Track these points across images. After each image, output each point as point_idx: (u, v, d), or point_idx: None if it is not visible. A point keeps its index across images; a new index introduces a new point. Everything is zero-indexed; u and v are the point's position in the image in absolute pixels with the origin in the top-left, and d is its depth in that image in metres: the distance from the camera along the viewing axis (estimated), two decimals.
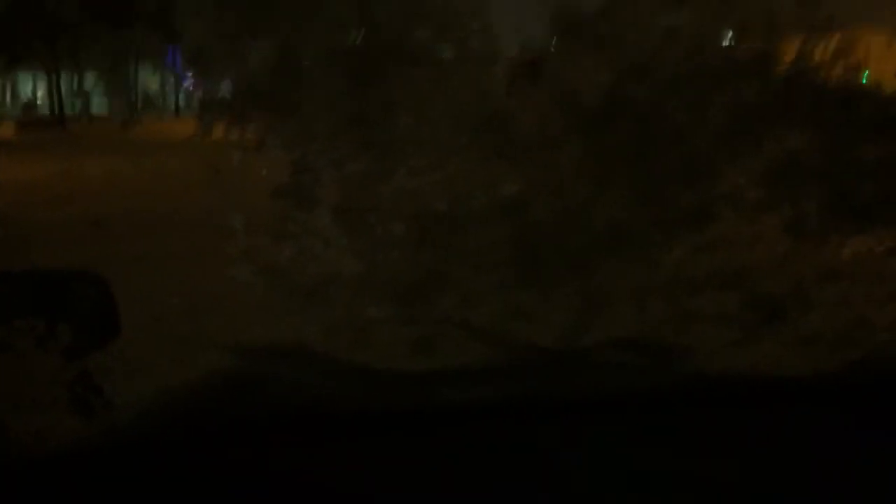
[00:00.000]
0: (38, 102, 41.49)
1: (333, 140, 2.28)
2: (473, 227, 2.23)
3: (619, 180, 2.25)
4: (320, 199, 2.31)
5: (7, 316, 1.80)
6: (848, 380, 1.46)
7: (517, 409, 1.24)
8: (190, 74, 50.88)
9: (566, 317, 2.18)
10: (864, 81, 2.30)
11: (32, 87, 42.37)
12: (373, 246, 2.26)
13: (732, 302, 2.21)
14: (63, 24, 33.17)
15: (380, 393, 1.38)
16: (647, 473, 1.07)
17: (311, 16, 2.23)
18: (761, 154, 2.31)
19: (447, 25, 2.20)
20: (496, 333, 2.11)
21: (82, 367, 1.61)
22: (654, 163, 2.23)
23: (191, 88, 50.89)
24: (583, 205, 2.24)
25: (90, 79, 41.09)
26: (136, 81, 43.42)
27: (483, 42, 2.30)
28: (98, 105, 42.47)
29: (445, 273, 2.21)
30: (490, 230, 2.23)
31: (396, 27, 2.14)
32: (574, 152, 2.29)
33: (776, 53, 2.26)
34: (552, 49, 2.44)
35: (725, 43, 2.37)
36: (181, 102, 45.76)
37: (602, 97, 2.24)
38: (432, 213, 2.25)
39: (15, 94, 43.14)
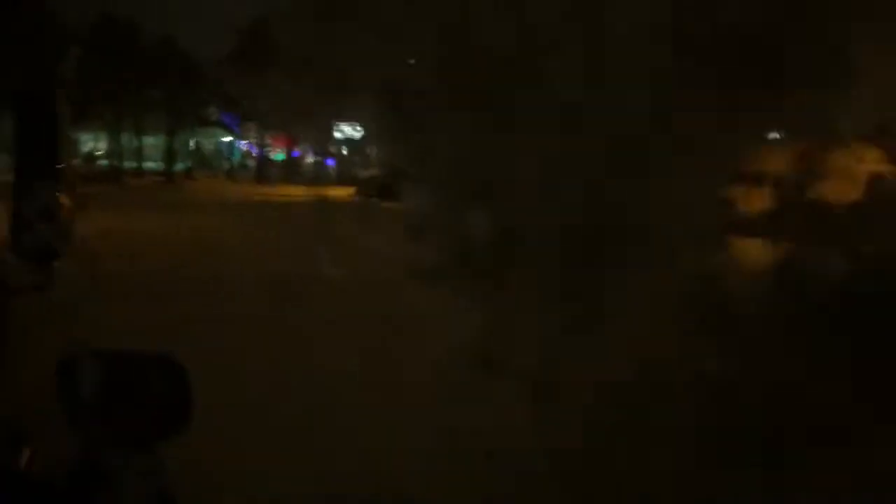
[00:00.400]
0: (98, 155, 42.62)
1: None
2: None
3: None
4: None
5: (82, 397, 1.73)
6: None
7: None
8: (247, 142, 52.21)
9: None
10: None
11: (94, 144, 43.59)
12: None
13: None
14: (127, 88, 34.23)
15: None
16: None
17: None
18: None
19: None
20: None
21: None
22: None
23: (248, 151, 51.93)
24: None
25: (148, 138, 42.26)
26: (190, 142, 44.51)
27: None
28: (155, 162, 43.62)
29: None
30: None
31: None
32: None
33: None
34: None
35: None
36: (236, 164, 46.76)
37: None
38: None
39: (77, 150, 44.55)
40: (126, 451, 1.58)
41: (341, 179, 44.48)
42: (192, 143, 47.25)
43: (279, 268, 10.83)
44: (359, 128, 55.40)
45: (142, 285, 8.02)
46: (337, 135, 53.67)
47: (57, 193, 2.05)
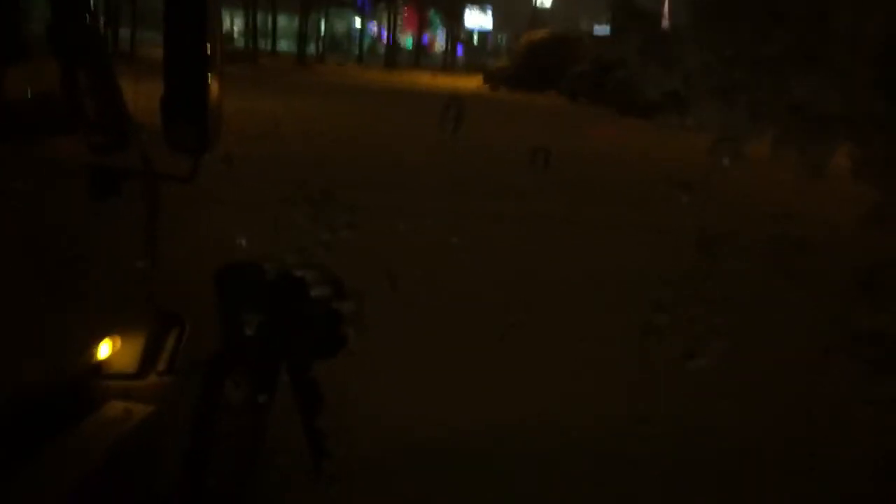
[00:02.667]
0: (234, 37, 43.46)
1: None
2: None
3: None
4: None
5: (238, 307, 1.69)
6: None
7: None
8: (375, 23, 51.96)
9: None
10: None
11: (230, 23, 44.38)
12: None
13: None
14: None
15: None
16: None
17: None
18: None
19: None
20: None
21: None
22: None
23: (378, 34, 51.78)
24: None
25: (283, 19, 42.59)
26: (323, 25, 44.59)
27: None
28: (287, 44, 44.11)
29: None
30: None
31: None
32: None
33: None
34: None
35: None
36: (365, 48, 46.77)
37: None
38: None
39: None
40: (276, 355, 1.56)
41: (469, 66, 43.90)
42: (323, 25, 47.38)
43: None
44: (489, 14, 54.17)
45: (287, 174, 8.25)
46: (468, 22, 52.60)
47: (207, 78, 2.04)
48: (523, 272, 6.32)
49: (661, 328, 4.04)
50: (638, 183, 10.60)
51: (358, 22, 51.58)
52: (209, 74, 1.96)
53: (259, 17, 41.03)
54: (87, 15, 2.31)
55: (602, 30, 46.89)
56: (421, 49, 48.62)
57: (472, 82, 33.56)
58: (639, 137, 17.42)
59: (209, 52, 1.95)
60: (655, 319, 3.95)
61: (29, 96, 2.09)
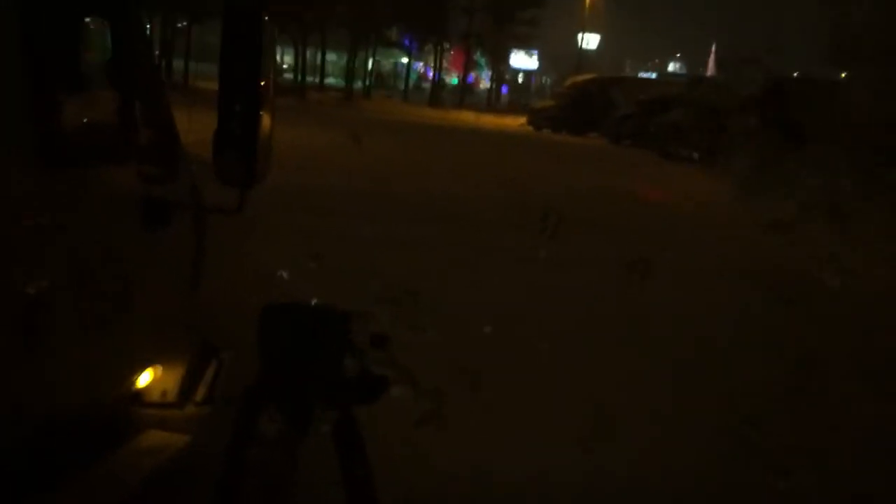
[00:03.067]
0: (284, 70, 44.37)
1: None
2: None
3: None
4: None
5: (286, 349, 1.68)
6: None
7: None
8: (423, 64, 52.61)
9: None
10: None
11: (281, 57, 45.34)
12: None
13: None
14: (313, 5, 35.09)
15: None
16: None
17: None
18: None
19: None
20: None
21: None
22: None
23: (424, 73, 52.40)
24: None
25: (331, 55, 43.40)
26: (370, 62, 45.31)
27: None
28: (335, 80, 44.85)
29: None
30: None
31: None
32: None
33: None
34: None
35: None
36: (410, 86, 47.37)
37: None
38: None
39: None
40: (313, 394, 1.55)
41: (513, 107, 44.18)
42: (370, 63, 48.15)
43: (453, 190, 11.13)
44: (535, 57, 54.58)
45: (337, 206, 8.30)
46: (514, 63, 53.04)
47: (259, 113, 2.08)
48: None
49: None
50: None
51: (404, 60, 52.32)
52: (261, 110, 1.98)
53: (309, 52, 41.82)
54: (143, 47, 2.36)
55: (647, 74, 46.88)
56: (466, 88, 49.09)
57: (515, 122, 33.73)
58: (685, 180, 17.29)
59: (262, 88, 1.98)
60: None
61: (85, 125, 2.14)
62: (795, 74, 31.14)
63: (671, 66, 52.91)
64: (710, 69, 52.18)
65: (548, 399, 4.50)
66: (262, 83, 2.01)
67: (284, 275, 2.63)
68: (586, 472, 3.68)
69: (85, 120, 2.16)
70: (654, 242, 9.04)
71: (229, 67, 1.94)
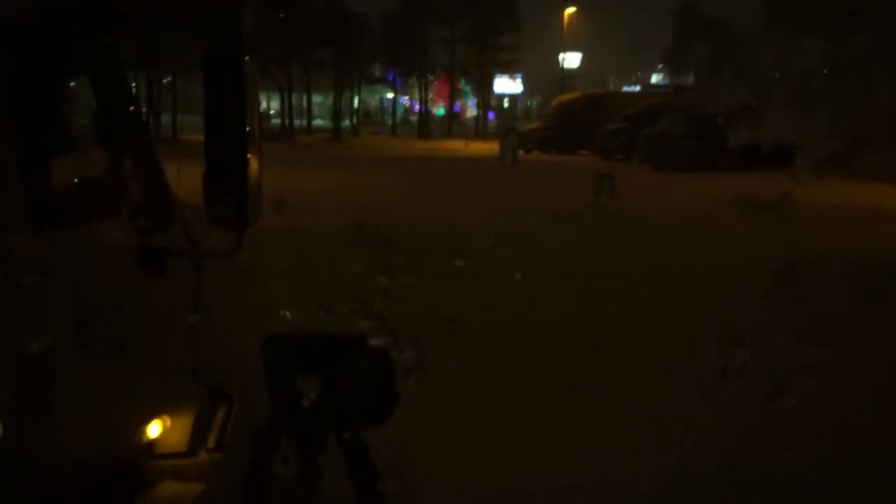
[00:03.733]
0: (271, 115, 44.68)
1: None
2: None
3: None
4: None
5: (287, 377, 1.66)
6: None
7: None
8: (408, 98, 53.05)
9: None
10: None
11: (267, 104, 45.70)
12: None
13: None
14: (298, 48, 35.44)
15: None
16: None
17: None
18: None
19: None
20: None
21: None
22: None
23: (410, 106, 52.78)
24: None
25: (317, 97, 43.71)
26: (356, 100, 45.63)
27: None
28: (323, 121, 45.16)
29: None
30: None
31: None
32: None
33: None
34: None
35: None
36: (398, 120, 47.65)
37: None
38: None
39: None
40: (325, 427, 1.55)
41: (501, 132, 44.41)
42: (356, 101, 48.50)
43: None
44: (519, 80, 54.97)
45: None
46: (498, 88, 53.42)
47: (247, 161, 2.10)
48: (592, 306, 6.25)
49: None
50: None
51: (390, 95, 52.67)
52: (248, 152, 2.00)
53: (294, 97, 42.15)
54: (129, 104, 2.39)
55: (631, 88, 47.20)
56: (453, 117, 49.39)
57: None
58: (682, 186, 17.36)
59: (247, 130, 1.99)
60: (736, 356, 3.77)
61: (75, 183, 2.15)
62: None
63: (654, 78, 53.24)
64: (693, 78, 52.46)
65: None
66: (247, 125, 2.02)
67: (288, 315, 2.63)
68: None
69: (75, 178, 2.18)
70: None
71: (214, 111, 1.96)
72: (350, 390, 1.41)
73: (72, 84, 2.39)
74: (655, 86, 48.98)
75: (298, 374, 1.51)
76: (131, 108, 2.38)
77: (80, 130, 2.42)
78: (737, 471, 3.25)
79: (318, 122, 47.06)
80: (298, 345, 1.50)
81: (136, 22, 2.48)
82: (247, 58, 2.01)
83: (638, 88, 45.75)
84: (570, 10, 47.14)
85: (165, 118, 34.09)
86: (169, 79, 36.06)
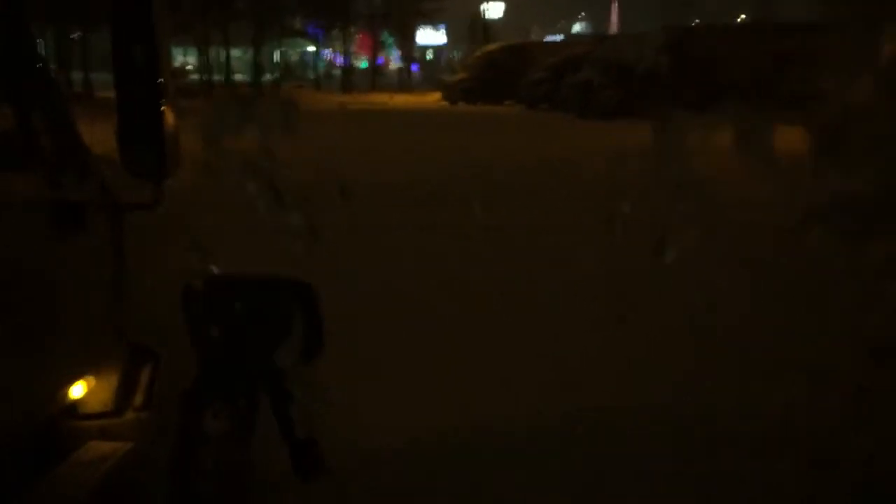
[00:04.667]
0: (189, 70, 43.43)
1: None
2: None
3: None
4: None
5: (216, 322, 1.67)
6: None
7: None
8: (331, 51, 52.27)
9: None
10: None
11: (184, 59, 44.37)
12: None
13: None
14: (216, 3, 34.35)
15: None
16: None
17: None
18: None
19: None
20: None
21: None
22: None
23: (333, 60, 52.01)
24: None
25: (236, 52, 42.63)
26: (277, 53, 44.62)
27: None
28: (242, 76, 44.10)
29: None
30: None
31: None
32: None
33: None
34: None
35: None
36: (321, 73, 46.84)
37: None
38: None
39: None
40: (253, 376, 1.53)
41: (425, 84, 44.10)
42: (277, 55, 47.42)
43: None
44: (442, 31, 54.50)
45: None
46: (421, 39, 52.90)
47: (161, 108, 2.02)
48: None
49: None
50: None
51: (312, 49, 51.65)
52: (162, 100, 1.93)
53: (212, 51, 40.96)
54: (34, 58, 2.28)
55: (554, 37, 47.32)
56: (377, 70, 48.77)
57: (430, 98, 33.71)
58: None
59: (159, 77, 1.93)
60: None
61: None
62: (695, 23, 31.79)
63: (576, 28, 53.48)
64: (614, 27, 52.82)
65: None
66: (158, 73, 1.96)
67: (214, 269, 2.58)
68: None
69: None
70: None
71: (123, 55, 1.88)
72: (274, 332, 1.39)
73: None
74: (578, 35, 49.21)
75: (219, 321, 1.48)
76: (36, 63, 2.28)
77: None
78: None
79: (238, 77, 45.88)
80: (218, 289, 1.47)
81: None
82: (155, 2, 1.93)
83: (561, 38, 45.93)
84: None
85: (77, 76, 32.79)
86: (78, 34, 34.61)
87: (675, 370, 4.09)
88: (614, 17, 54.99)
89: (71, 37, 34.37)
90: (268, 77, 44.98)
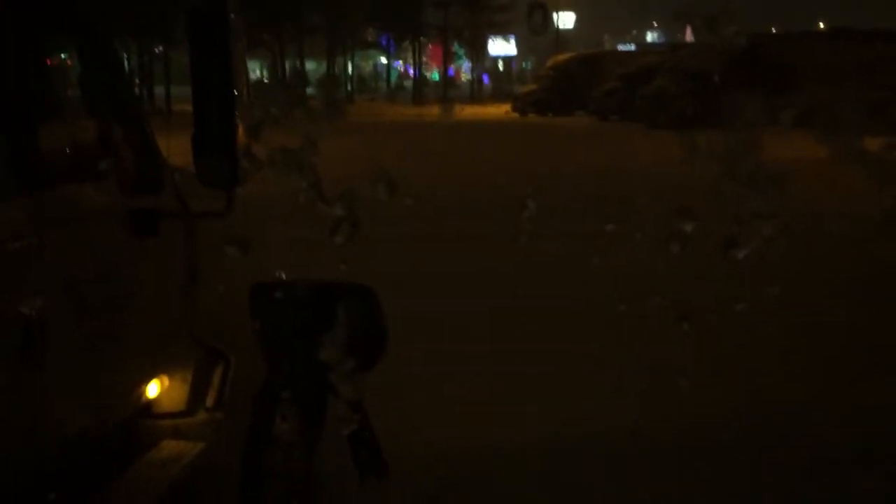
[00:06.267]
0: (265, 82, 44.41)
1: None
2: None
3: None
4: None
5: (283, 327, 1.68)
6: None
7: None
8: (402, 62, 52.60)
9: None
10: None
11: (260, 71, 45.43)
12: None
13: None
14: (288, 12, 35.07)
15: None
16: None
17: None
18: None
19: None
20: None
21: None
22: None
23: (405, 71, 52.39)
24: None
25: (310, 63, 43.38)
26: (350, 66, 45.28)
27: None
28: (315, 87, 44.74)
29: None
30: None
31: None
32: None
33: None
34: None
35: None
36: (392, 84, 47.25)
37: None
38: None
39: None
40: (319, 381, 1.56)
41: (496, 95, 44.13)
42: (350, 67, 48.17)
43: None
44: (513, 42, 54.54)
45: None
46: (492, 50, 52.99)
47: (235, 120, 2.09)
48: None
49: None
50: None
51: (384, 60, 52.26)
52: (236, 111, 2.00)
53: (287, 63, 41.85)
54: (117, 73, 2.39)
55: (626, 47, 46.80)
56: (448, 81, 49.02)
57: (500, 110, 33.67)
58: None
59: (233, 89, 1.99)
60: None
61: (64, 148, 2.16)
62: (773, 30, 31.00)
63: (649, 37, 52.84)
64: (689, 35, 51.97)
65: None
66: (234, 85, 2.02)
67: (282, 275, 2.64)
68: None
69: (64, 145, 2.18)
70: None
71: (200, 71, 1.95)
72: (343, 339, 1.42)
73: (59, 54, 2.39)
74: (651, 44, 48.58)
75: (286, 325, 1.52)
76: (120, 77, 2.38)
77: (69, 99, 2.42)
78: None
79: (309, 90, 46.70)
80: (285, 294, 1.51)
81: None
82: (231, 15, 2.00)
83: (633, 47, 45.42)
84: None
85: (159, 90, 33.87)
86: (161, 49, 35.77)
87: None
88: (689, 26, 54.11)
89: (154, 51, 35.57)
90: (341, 90, 45.70)
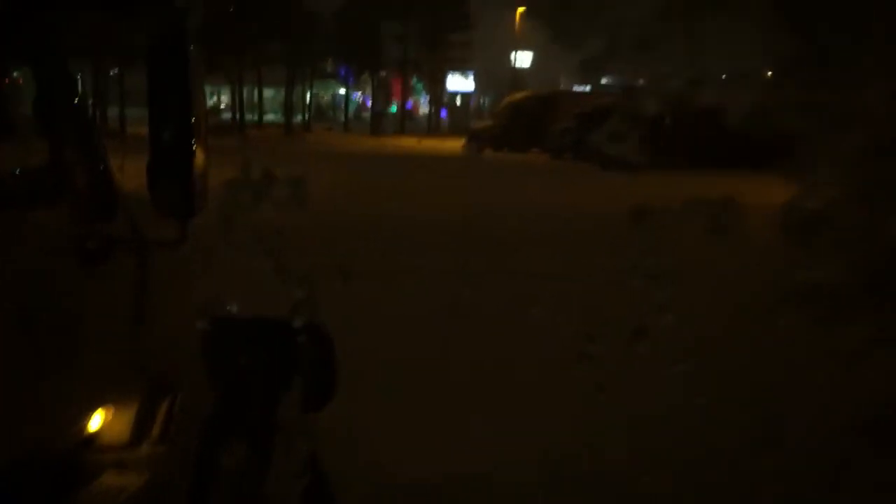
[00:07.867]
0: (221, 109, 44.15)
1: None
2: None
3: None
4: None
5: (234, 363, 1.67)
6: None
7: None
8: (361, 93, 52.81)
9: None
10: None
11: (217, 98, 45.15)
12: None
13: None
14: (249, 41, 35.02)
15: None
16: None
17: None
18: None
19: None
20: None
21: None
22: None
23: (363, 102, 52.63)
24: None
25: (268, 91, 43.26)
26: (308, 95, 45.30)
27: None
28: (274, 116, 44.71)
29: None
30: None
31: None
32: None
33: None
34: None
35: None
36: (350, 115, 47.42)
37: None
38: None
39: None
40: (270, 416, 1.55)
41: (453, 129, 44.45)
42: (308, 96, 48.14)
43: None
44: (471, 78, 55.11)
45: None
46: (451, 86, 53.50)
47: (192, 148, 2.07)
48: None
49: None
50: None
51: (342, 91, 52.37)
52: (193, 139, 1.99)
53: (245, 90, 41.65)
54: (71, 93, 2.36)
55: (582, 88, 47.61)
56: (405, 114, 49.29)
57: (456, 144, 33.94)
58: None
59: (192, 118, 1.98)
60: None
61: (12, 171, 2.12)
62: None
63: (605, 79, 53.86)
64: (642, 79, 53.04)
65: None
66: (191, 113, 2.01)
67: (234, 308, 2.62)
68: None
69: (13, 167, 2.14)
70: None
71: (157, 97, 1.94)
72: (291, 375, 1.42)
73: (12, 73, 2.35)
74: (606, 86, 49.51)
75: (239, 360, 1.51)
76: (73, 97, 2.35)
77: (20, 120, 2.38)
78: None
79: (269, 117, 46.56)
80: (238, 330, 1.50)
81: (78, 9, 2.45)
82: (191, 45, 2.00)
83: (588, 88, 46.22)
84: (522, 9, 47.39)
85: (113, 111, 33.44)
86: (116, 70, 35.36)
87: None
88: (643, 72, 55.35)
89: (109, 72, 35.12)
90: (299, 118, 45.59)
